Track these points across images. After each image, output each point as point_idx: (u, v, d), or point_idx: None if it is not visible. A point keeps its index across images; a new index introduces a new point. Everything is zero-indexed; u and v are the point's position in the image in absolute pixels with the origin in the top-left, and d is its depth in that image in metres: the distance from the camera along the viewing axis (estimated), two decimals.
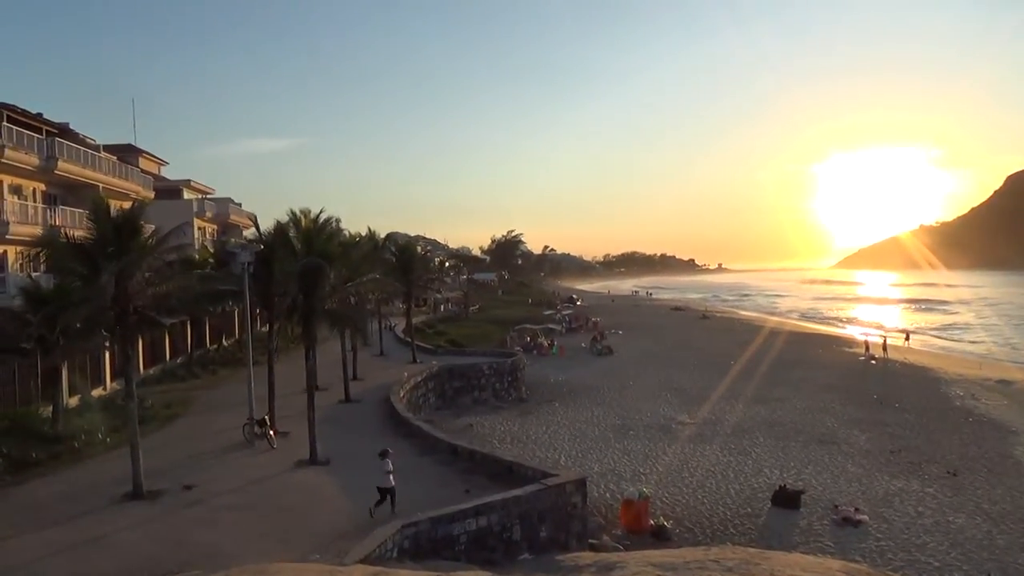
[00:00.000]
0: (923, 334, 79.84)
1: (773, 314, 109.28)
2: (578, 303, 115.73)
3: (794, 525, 20.37)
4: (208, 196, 60.06)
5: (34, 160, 30.64)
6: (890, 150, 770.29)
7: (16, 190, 30.86)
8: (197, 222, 53.12)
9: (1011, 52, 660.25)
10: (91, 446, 22.27)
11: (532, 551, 15.98)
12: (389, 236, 47.34)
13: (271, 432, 22.36)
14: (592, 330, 71.03)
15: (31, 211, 30.72)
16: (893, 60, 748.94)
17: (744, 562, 10.40)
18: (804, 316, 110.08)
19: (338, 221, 34.77)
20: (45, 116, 35.15)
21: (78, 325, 21.11)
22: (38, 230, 28.82)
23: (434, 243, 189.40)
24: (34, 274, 26.00)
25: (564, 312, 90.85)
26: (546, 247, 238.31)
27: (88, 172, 34.92)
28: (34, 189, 32.63)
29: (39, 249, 19.30)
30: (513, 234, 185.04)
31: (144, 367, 36.11)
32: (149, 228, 20.72)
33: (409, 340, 44.82)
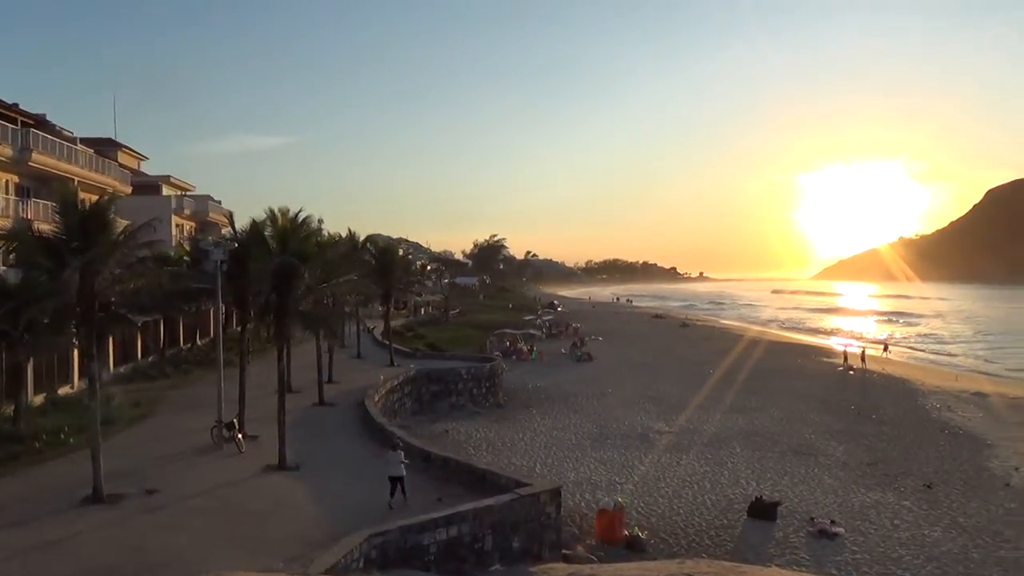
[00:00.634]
0: (901, 346, 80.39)
1: (753, 323, 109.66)
2: (559, 309, 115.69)
3: (770, 537, 20.19)
4: (188, 193, 59.28)
5: (7, 151, 29.92)
6: (872, 163, 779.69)
7: None
8: (175, 219, 52.38)
9: (988, 69, 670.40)
10: (53, 446, 21.62)
11: (504, 562, 15.64)
12: (369, 238, 46.82)
13: (239, 435, 21.84)
14: (572, 336, 70.92)
15: (2, 203, 30.01)
16: (878, 76, 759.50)
17: None
18: (784, 326, 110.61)
19: (320, 222, 34.29)
20: (21, 107, 34.44)
21: (45, 321, 20.56)
22: (8, 223, 28.14)
23: (416, 246, 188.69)
24: (1, 268, 25.33)
25: (545, 318, 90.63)
26: (528, 252, 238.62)
27: (63, 165, 34.23)
28: (7, 181, 31.90)
29: (6, 242, 18.70)
30: (496, 239, 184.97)
31: (114, 365, 35.38)
32: (121, 223, 20.16)
33: (387, 343, 44.36)
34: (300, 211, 22.11)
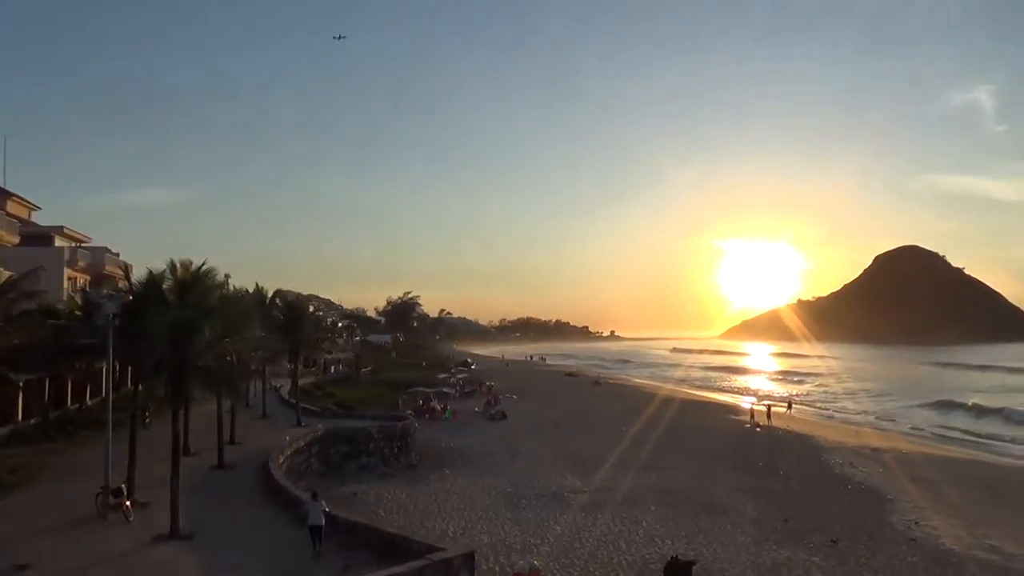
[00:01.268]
0: (803, 403, 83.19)
1: (663, 381, 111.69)
2: (473, 367, 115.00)
3: None
4: (83, 245, 56.36)
5: None
6: (771, 228, 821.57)
7: None
8: (68, 272, 49.53)
9: (875, 144, 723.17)
10: None
11: None
12: (278, 292, 45.41)
13: (127, 503, 20.19)
14: (486, 395, 70.29)
15: None
16: (779, 148, 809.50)
17: None
18: (693, 384, 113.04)
19: (227, 277, 32.99)
20: None
21: None
22: None
23: (328, 303, 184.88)
24: None
25: (458, 376, 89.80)
26: (443, 310, 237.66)
27: None
28: None
29: None
30: (410, 296, 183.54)
31: None
32: (4, 274, 18.70)
33: (294, 402, 42.68)
34: (204, 264, 21.16)
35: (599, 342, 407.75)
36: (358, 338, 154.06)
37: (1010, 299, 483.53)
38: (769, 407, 63.56)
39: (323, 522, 17.96)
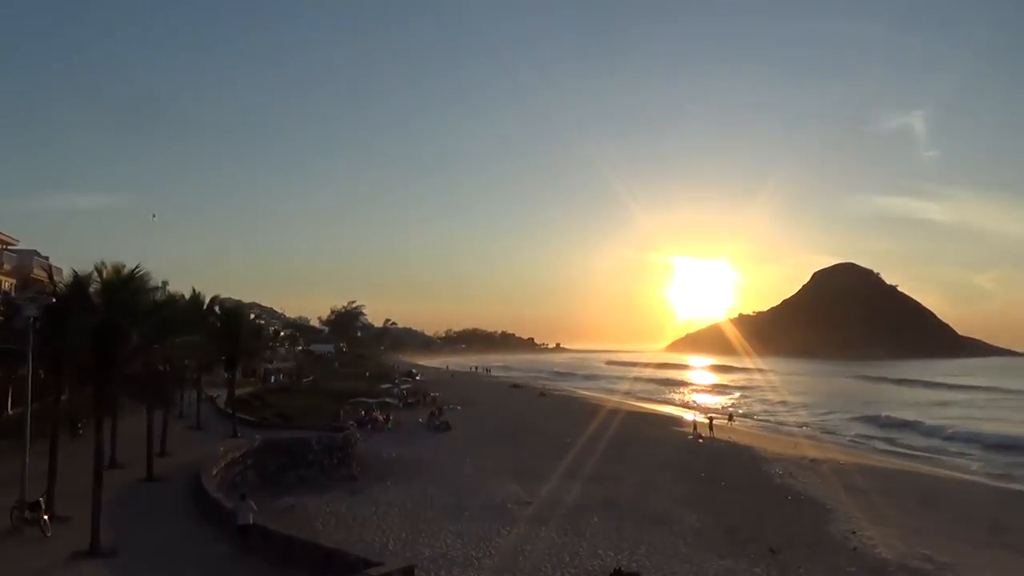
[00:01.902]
0: (744, 415, 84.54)
1: (608, 393, 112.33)
2: (417, 378, 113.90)
3: None
4: (10, 247, 53.79)
5: None
6: (713, 244, 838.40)
7: None
8: None
9: (808, 164, 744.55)
10: None
11: None
12: (215, 299, 43.98)
13: (45, 517, 19.04)
14: (430, 405, 69.53)
15: None
16: (723, 168, 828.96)
17: None
18: (637, 396, 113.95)
19: (165, 283, 31.69)
20: None
21: None
22: None
23: (270, 312, 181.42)
24: None
25: (402, 386, 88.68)
26: (387, 320, 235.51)
27: None
28: None
29: None
30: (354, 305, 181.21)
31: None
32: None
33: (230, 412, 41.34)
34: (137, 267, 20.16)
35: (545, 354, 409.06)
36: (300, 347, 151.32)
37: (939, 316, 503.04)
38: (711, 419, 64.30)
39: (251, 522, 18.11)
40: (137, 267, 20.38)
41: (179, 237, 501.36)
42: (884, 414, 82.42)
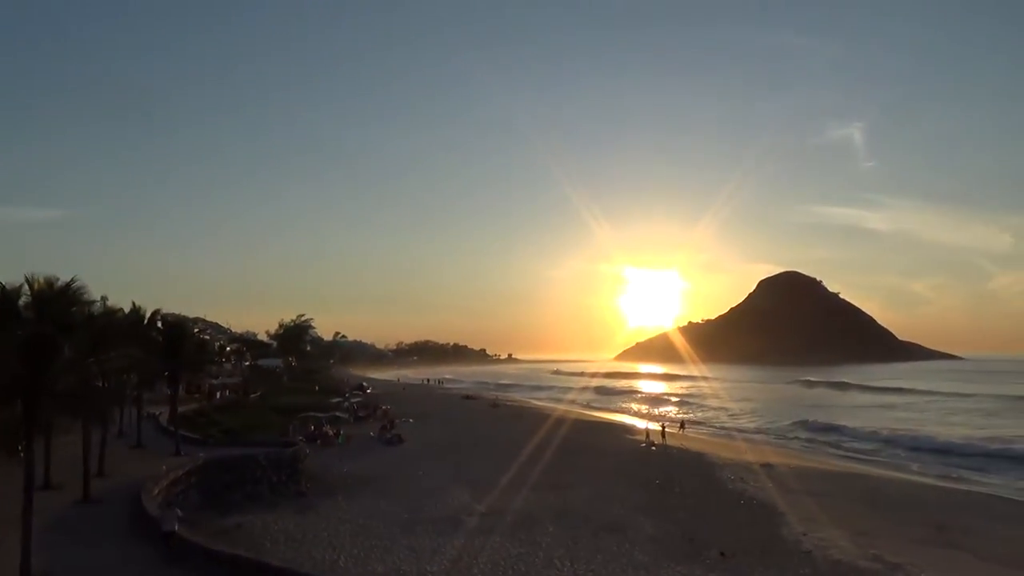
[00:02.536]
0: (696, 422, 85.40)
1: (561, 402, 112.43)
2: (368, 391, 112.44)
3: None
4: None
5: None
6: (663, 254, 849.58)
7: None
8: None
9: (754, 175, 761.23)
10: None
11: None
12: (156, 313, 42.50)
13: None
14: (382, 418, 68.55)
15: None
16: (668, 178, 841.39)
17: None
18: (589, 405, 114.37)
19: (104, 298, 30.49)
20: None
21: None
22: None
23: (216, 326, 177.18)
24: None
25: (353, 400, 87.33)
26: (337, 334, 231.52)
27: None
28: None
29: None
30: (303, 319, 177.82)
31: None
32: None
33: (173, 429, 39.98)
34: (73, 280, 19.25)
35: (498, 365, 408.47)
36: (248, 362, 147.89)
37: (880, 322, 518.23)
38: (663, 426, 64.73)
39: (176, 529, 18.69)
40: (73, 279, 19.51)
41: (122, 253, 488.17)
42: (825, 419, 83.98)
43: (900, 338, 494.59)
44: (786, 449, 62.40)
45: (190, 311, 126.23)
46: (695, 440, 64.63)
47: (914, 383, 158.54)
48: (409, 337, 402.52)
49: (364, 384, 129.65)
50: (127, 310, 38.83)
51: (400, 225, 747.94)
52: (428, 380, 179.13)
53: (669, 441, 58.80)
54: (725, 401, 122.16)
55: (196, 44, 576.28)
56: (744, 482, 41.38)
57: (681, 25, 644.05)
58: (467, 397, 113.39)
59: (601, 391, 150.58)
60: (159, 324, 41.28)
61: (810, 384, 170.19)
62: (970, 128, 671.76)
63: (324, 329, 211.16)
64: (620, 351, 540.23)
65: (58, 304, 17.56)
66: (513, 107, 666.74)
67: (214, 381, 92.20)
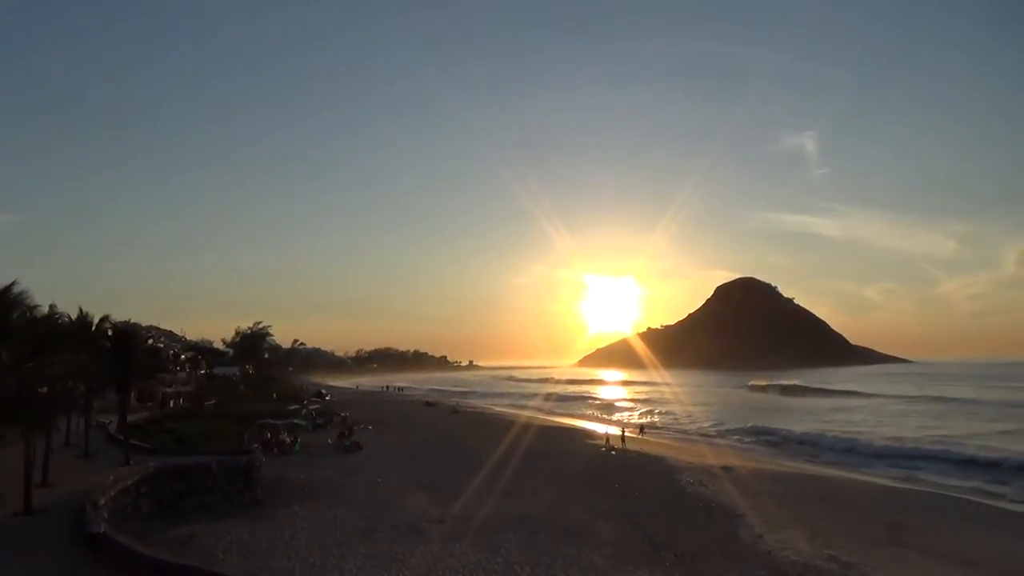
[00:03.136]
0: (654, 426, 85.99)
1: (521, 408, 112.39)
2: (327, 398, 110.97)
3: None
4: None
5: None
6: (621, 261, 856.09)
7: None
8: None
9: (710, 183, 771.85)
10: None
11: None
12: (105, 319, 41.20)
13: None
14: (340, 426, 67.62)
15: None
16: (626, 186, 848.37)
17: None
18: (549, 410, 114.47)
19: (53, 306, 29.50)
20: None
21: None
22: None
23: (170, 334, 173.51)
24: None
25: (311, 407, 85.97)
26: (296, 341, 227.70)
27: None
28: None
29: None
30: (260, 326, 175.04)
31: None
32: None
33: (122, 438, 38.82)
34: (12, 283, 18.44)
35: (458, 372, 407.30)
36: (203, 371, 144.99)
37: (833, 327, 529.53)
38: (623, 430, 64.97)
39: (103, 529, 19.43)
40: (12, 283, 18.70)
41: (72, 260, 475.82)
42: (781, 422, 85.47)
43: (853, 342, 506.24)
44: (744, 451, 63.14)
45: (144, 319, 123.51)
46: (655, 444, 64.96)
47: (867, 386, 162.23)
48: (369, 344, 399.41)
49: (323, 391, 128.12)
50: (70, 315, 37.57)
51: (360, 232, 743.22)
52: (388, 387, 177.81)
53: (629, 445, 59.00)
54: (684, 405, 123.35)
55: (153, 39, 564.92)
56: (703, 485, 41.63)
57: (636, 36, 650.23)
58: (427, 404, 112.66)
59: (561, 396, 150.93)
60: (109, 331, 40.06)
61: (767, 388, 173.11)
62: (918, 137, 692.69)
63: (282, 336, 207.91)
64: (581, 357, 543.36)
65: None
66: (474, 118, 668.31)
67: (168, 389, 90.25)
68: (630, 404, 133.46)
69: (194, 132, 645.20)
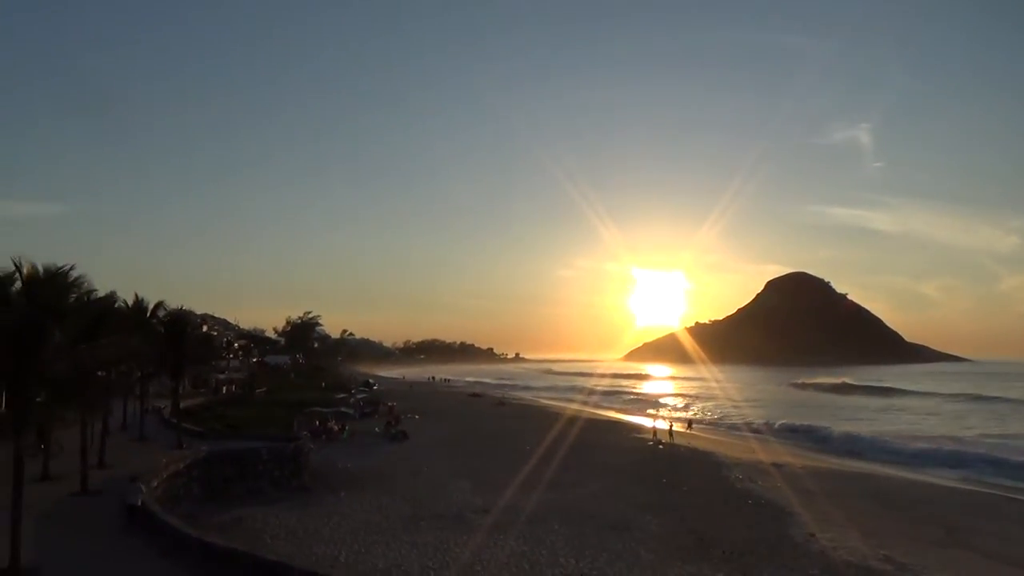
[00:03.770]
0: (703, 422, 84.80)
1: (567, 401, 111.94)
2: (374, 388, 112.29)
3: None
4: None
5: None
6: (670, 254, 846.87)
7: None
8: None
9: (761, 176, 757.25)
10: None
11: None
12: (159, 304, 42.05)
13: None
14: (387, 415, 68.22)
15: None
16: (674, 179, 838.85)
17: None
18: (596, 404, 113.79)
19: (113, 294, 30.14)
20: None
21: None
22: None
23: (224, 323, 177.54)
24: None
25: (359, 396, 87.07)
26: (345, 331, 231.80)
27: None
28: None
29: None
30: (310, 316, 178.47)
31: None
32: None
33: (175, 422, 39.68)
34: (67, 265, 18.79)
35: (505, 364, 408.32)
36: (255, 359, 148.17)
37: (888, 323, 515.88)
38: (671, 424, 64.17)
39: (140, 503, 20.23)
40: (70, 267, 19.06)
41: (127, 250, 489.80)
42: (834, 420, 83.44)
43: (908, 340, 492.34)
44: (793, 448, 61.67)
45: (198, 308, 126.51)
46: (703, 439, 64.00)
47: (921, 385, 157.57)
48: (416, 336, 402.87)
49: (370, 381, 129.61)
50: (127, 302, 38.44)
51: (410, 225, 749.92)
52: (434, 378, 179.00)
53: (677, 439, 58.21)
54: (733, 400, 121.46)
55: (201, 34, 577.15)
56: (752, 481, 40.77)
57: (686, 27, 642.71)
58: (473, 395, 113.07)
59: (608, 390, 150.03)
60: (161, 315, 40.92)
61: (816, 385, 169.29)
62: (977, 129, 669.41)
63: (332, 327, 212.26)
64: (628, 351, 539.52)
65: (50, 289, 17.12)
66: (521, 113, 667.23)
67: (220, 376, 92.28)
68: (678, 399, 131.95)
69: (253, 127, 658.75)
